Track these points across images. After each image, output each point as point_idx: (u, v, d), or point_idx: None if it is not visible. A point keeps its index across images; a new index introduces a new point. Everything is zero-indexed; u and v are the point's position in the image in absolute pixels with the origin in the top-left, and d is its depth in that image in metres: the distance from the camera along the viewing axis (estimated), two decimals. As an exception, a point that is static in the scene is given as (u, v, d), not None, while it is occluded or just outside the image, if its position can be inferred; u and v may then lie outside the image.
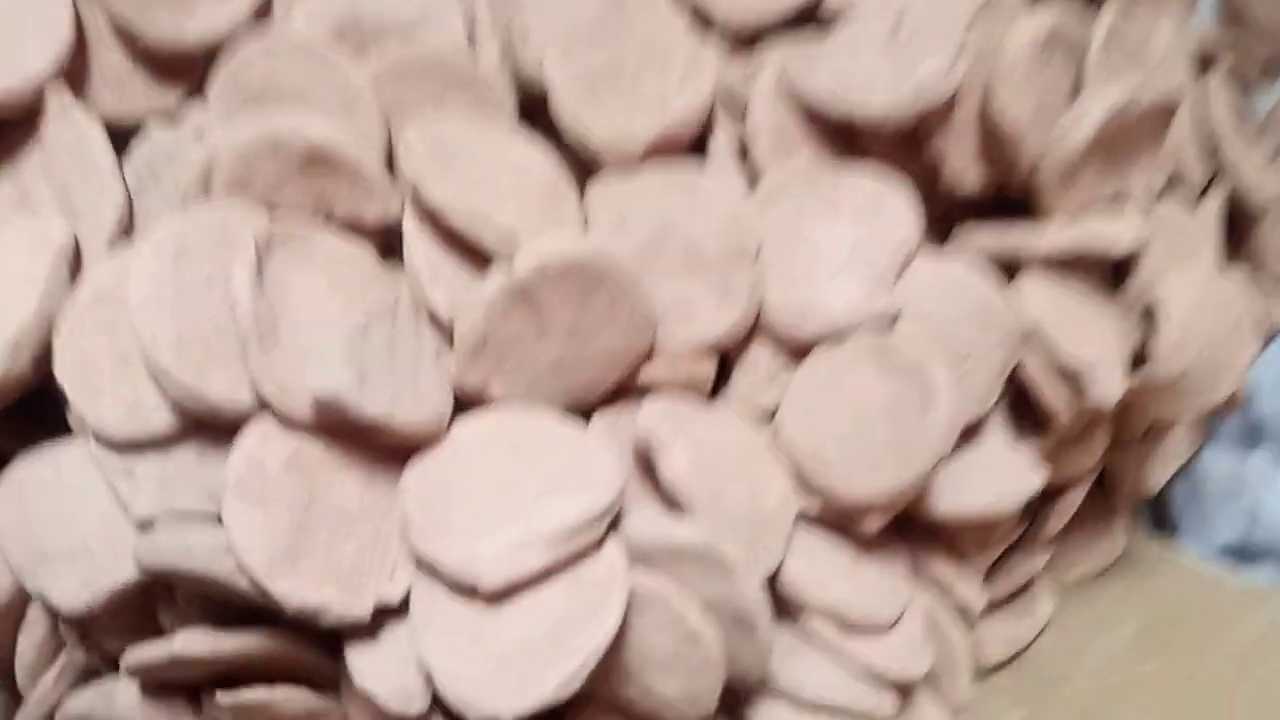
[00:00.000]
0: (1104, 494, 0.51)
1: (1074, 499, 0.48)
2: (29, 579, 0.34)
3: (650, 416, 0.35)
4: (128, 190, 0.38)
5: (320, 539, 0.31)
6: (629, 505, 0.34)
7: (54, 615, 0.36)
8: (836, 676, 0.36)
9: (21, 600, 0.37)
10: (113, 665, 0.36)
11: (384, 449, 0.33)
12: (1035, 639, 0.48)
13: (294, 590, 0.30)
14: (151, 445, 0.33)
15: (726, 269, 0.37)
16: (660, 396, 0.36)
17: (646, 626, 0.31)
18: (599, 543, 0.31)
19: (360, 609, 0.31)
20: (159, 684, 0.35)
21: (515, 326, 0.33)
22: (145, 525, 0.33)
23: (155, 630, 0.35)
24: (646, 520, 0.32)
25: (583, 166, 0.39)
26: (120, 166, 0.38)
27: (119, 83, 0.40)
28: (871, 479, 0.36)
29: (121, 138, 0.39)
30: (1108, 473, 0.49)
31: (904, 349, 0.36)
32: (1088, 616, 0.50)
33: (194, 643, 0.32)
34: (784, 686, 0.36)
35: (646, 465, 0.36)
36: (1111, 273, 0.44)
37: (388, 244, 0.38)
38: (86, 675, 0.38)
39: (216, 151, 0.35)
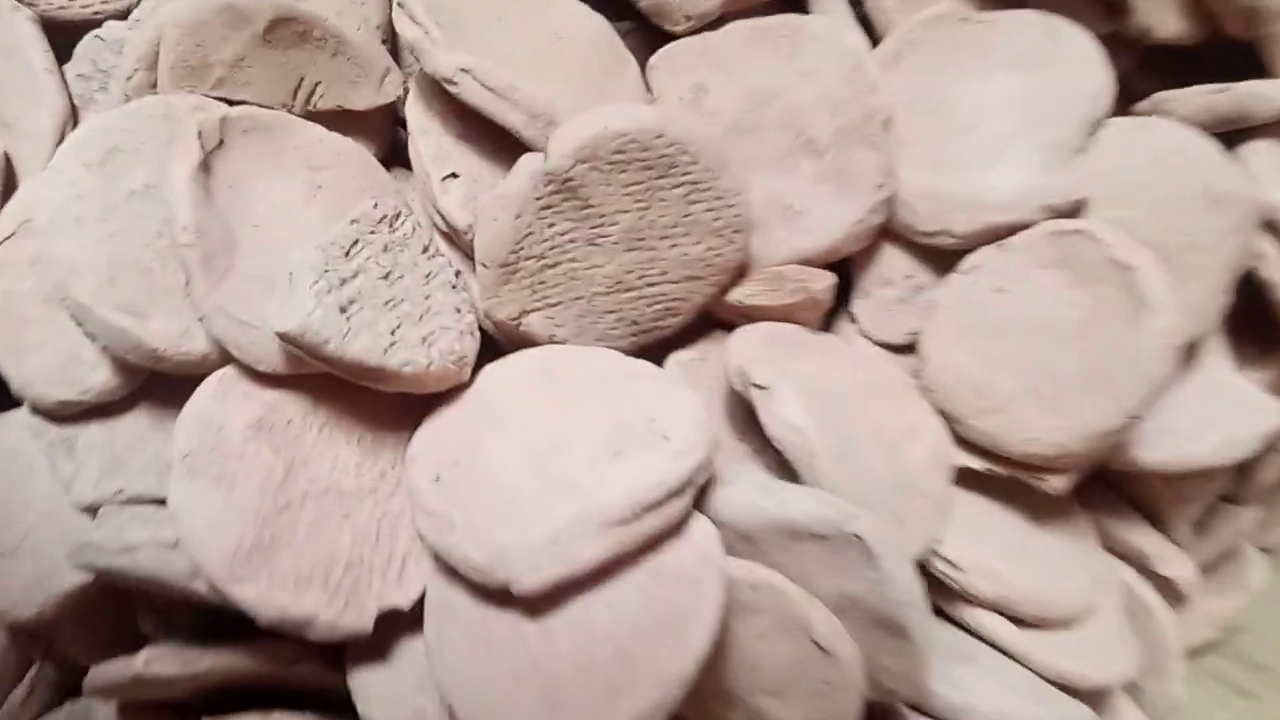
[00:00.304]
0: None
1: (1294, 440, 0.37)
2: (-31, 584, 0.27)
3: (746, 350, 0.25)
4: (71, 99, 0.30)
5: (301, 527, 0.23)
6: (721, 472, 0.24)
7: (8, 626, 0.29)
8: (1015, 689, 0.27)
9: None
10: (89, 680, 0.30)
11: (387, 407, 0.25)
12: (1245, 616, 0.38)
13: (266, 597, 0.22)
14: (95, 412, 0.26)
15: (846, 149, 0.27)
16: (757, 326, 0.27)
17: (755, 637, 0.23)
18: (681, 523, 0.22)
19: (358, 620, 0.23)
20: (140, 704, 0.28)
21: (557, 233, 0.24)
22: (91, 511, 0.25)
23: (135, 637, 0.28)
24: (748, 489, 0.23)
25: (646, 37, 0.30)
26: (62, 72, 0.30)
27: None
28: (1061, 423, 0.26)
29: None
30: None
31: (1103, 241, 0.25)
32: None
33: (161, 662, 0.25)
34: (945, 706, 0.26)
35: (742, 417, 0.27)
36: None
37: (392, 151, 0.30)
38: (62, 692, 0.31)
39: (162, 28, 0.26)
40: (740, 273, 0.28)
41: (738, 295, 0.27)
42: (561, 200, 0.24)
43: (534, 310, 0.26)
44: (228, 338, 0.23)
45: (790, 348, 0.26)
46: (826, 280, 0.27)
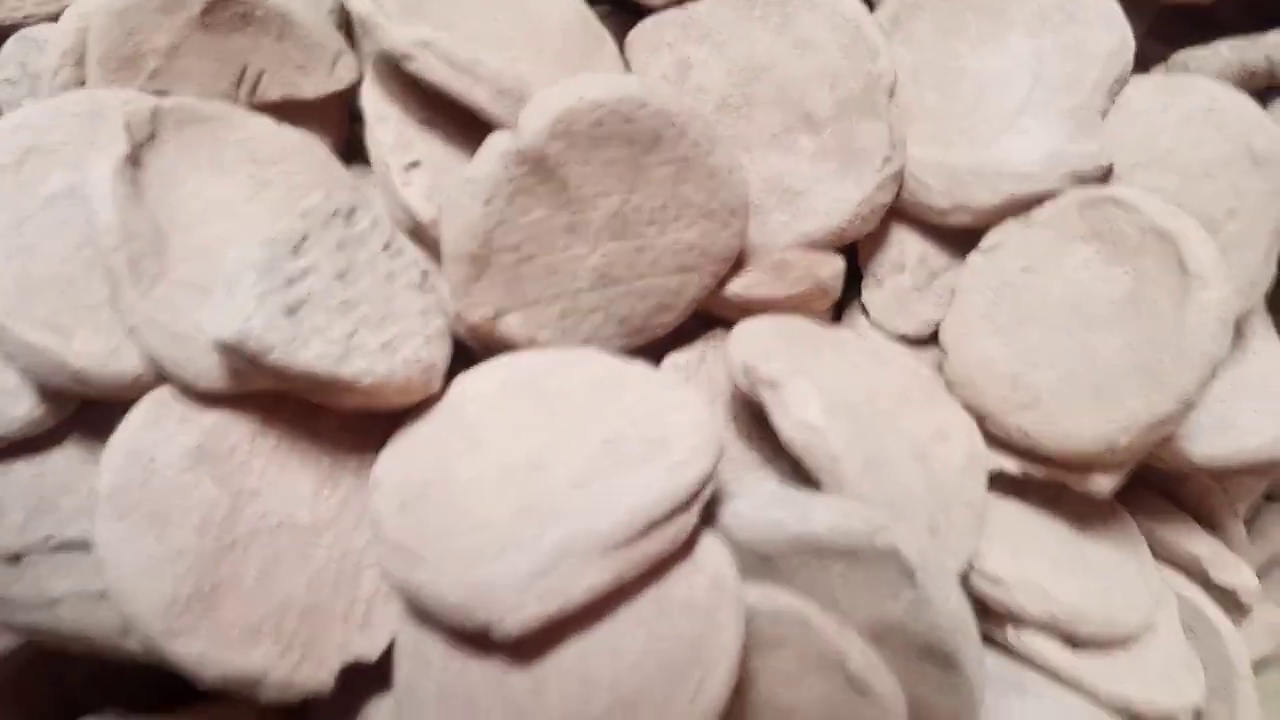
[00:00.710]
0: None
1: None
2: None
3: (752, 343, 0.23)
4: (-2, 106, 0.27)
5: (249, 570, 0.20)
6: (729, 485, 0.21)
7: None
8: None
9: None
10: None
11: (348, 426, 0.22)
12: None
13: (207, 654, 0.19)
14: (19, 448, 0.23)
15: (847, 122, 0.24)
16: (762, 318, 0.24)
17: (778, 679, 0.19)
18: (688, 545, 0.19)
19: (317, 675, 0.20)
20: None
21: (532, 220, 0.22)
22: (13, 562, 0.22)
23: (70, 706, 0.24)
24: (762, 502, 0.20)
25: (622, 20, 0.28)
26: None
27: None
28: (1105, 415, 0.23)
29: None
30: None
31: (1139, 209, 0.23)
32: None
33: (98, 736, 0.22)
34: (995, 747, 0.23)
35: (749, 422, 0.24)
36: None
37: (348, 147, 0.27)
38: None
39: (89, 17, 0.24)
40: (738, 261, 0.25)
41: (737, 287, 0.24)
42: (536, 183, 0.22)
43: (511, 310, 0.23)
44: (160, 351, 0.20)
45: (800, 342, 0.23)
46: (834, 265, 0.24)
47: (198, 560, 0.19)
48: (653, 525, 0.18)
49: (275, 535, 0.20)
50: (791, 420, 0.21)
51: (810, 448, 0.21)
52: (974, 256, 0.25)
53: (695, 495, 0.19)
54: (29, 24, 0.29)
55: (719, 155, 0.23)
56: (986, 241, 0.25)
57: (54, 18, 0.29)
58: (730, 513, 0.20)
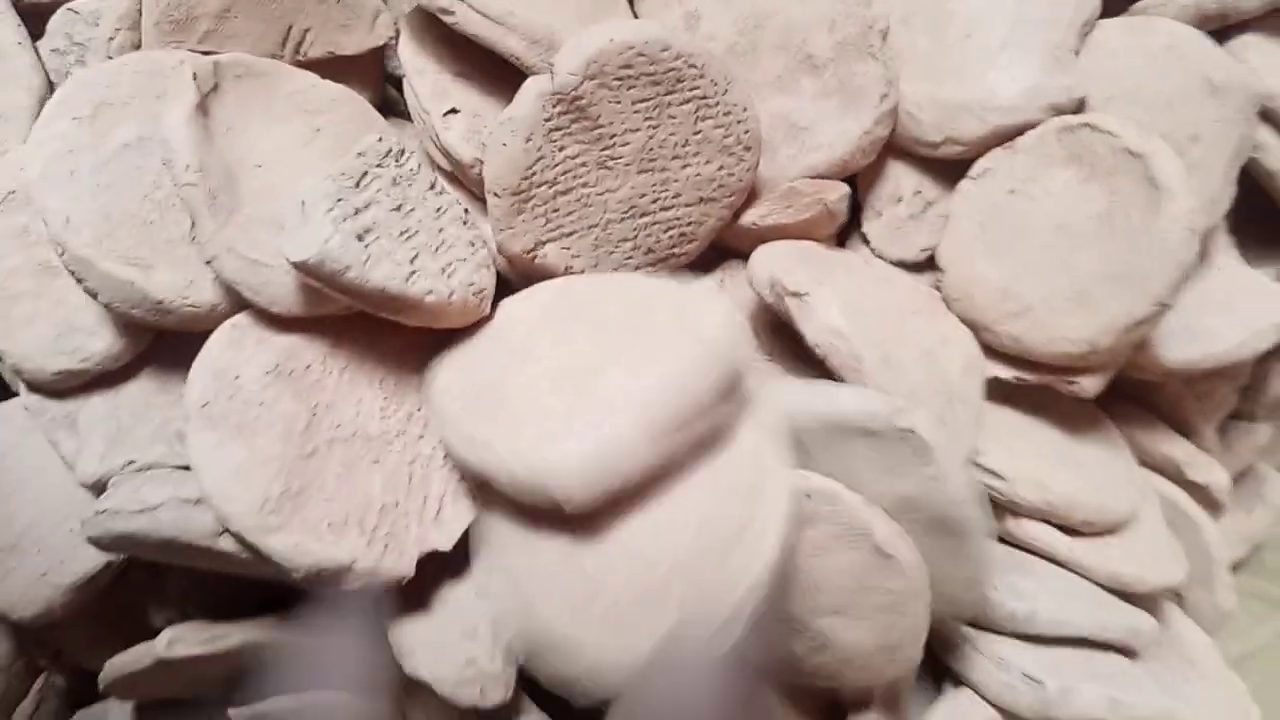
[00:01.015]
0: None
1: (1305, 348, 0.37)
2: (-33, 586, 0.25)
3: (776, 260, 0.25)
4: (47, 75, 0.28)
5: (330, 473, 0.22)
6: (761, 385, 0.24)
7: (14, 628, 0.28)
8: (1075, 596, 0.26)
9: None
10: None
11: (407, 348, 0.24)
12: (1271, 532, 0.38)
13: (299, 547, 0.21)
14: (96, 383, 0.24)
15: (846, 62, 0.27)
16: (779, 243, 0.26)
17: (813, 552, 0.22)
18: (732, 428, 0.21)
19: (399, 564, 0.21)
20: (158, 703, 0.27)
21: (568, 156, 0.24)
22: (98, 489, 0.24)
23: (147, 634, 0.26)
24: (794, 390, 0.22)
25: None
26: (36, 49, 0.29)
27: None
28: (1088, 320, 0.25)
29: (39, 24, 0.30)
30: None
31: (1112, 132, 0.25)
32: None
33: (185, 643, 0.24)
34: (1008, 616, 0.25)
35: (770, 335, 0.26)
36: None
37: (383, 105, 0.29)
38: (73, 702, 0.29)
39: (143, -15, 0.25)
40: (751, 195, 0.27)
41: (752, 217, 0.27)
42: (571, 121, 0.24)
43: (549, 240, 0.25)
44: (239, 278, 0.22)
45: (815, 262, 0.26)
46: (840, 190, 0.26)
47: (284, 465, 0.21)
48: (697, 411, 0.20)
49: (350, 444, 0.22)
50: (816, 324, 0.23)
51: (835, 350, 0.23)
52: (965, 183, 0.28)
53: (733, 383, 0.21)
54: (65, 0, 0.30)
55: (734, 93, 0.25)
56: (976, 169, 0.27)
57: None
58: (771, 397, 0.22)
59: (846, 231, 0.29)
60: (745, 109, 0.25)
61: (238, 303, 0.23)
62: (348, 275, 0.21)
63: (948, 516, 0.22)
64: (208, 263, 0.22)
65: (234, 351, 0.22)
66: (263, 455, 0.21)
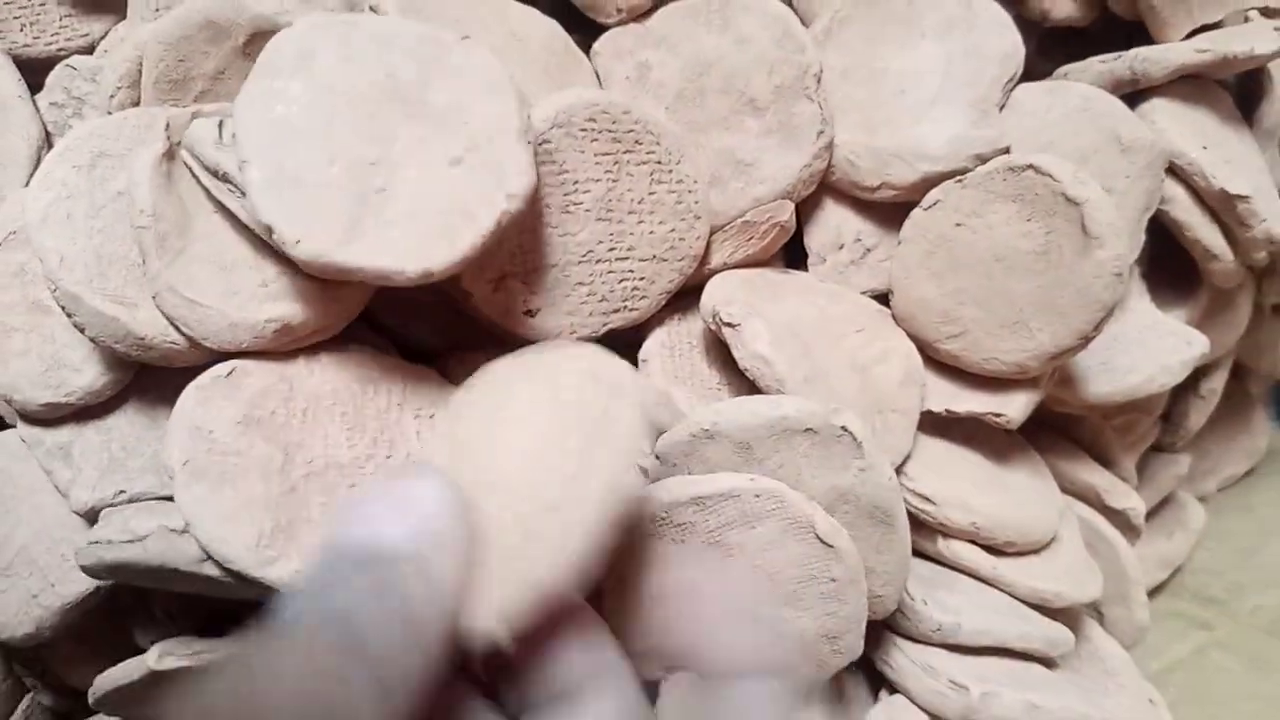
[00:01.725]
0: (1238, 385, 0.44)
1: (1217, 383, 0.40)
2: (-38, 606, 0.27)
3: (720, 293, 0.27)
4: (44, 126, 0.30)
5: (313, 503, 0.24)
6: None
7: (3, 649, 0.29)
8: (997, 610, 0.28)
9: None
10: (88, 705, 0.29)
11: (357, 382, 0.25)
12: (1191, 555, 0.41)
13: (298, 573, 0.22)
14: (85, 414, 0.26)
15: (785, 103, 0.29)
16: (733, 273, 0.29)
17: (765, 546, 0.24)
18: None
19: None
20: (145, 720, 0.28)
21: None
22: (90, 517, 0.25)
23: (133, 655, 0.27)
24: (742, 400, 0.25)
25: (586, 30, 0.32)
26: (34, 101, 0.31)
27: (32, 15, 0.33)
28: (1020, 344, 0.28)
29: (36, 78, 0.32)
30: (1240, 361, 0.42)
31: (1054, 176, 0.27)
32: (1246, 523, 0.43)
33: (175, 655, 0.25)
34: (933, 628, 0.27)
35: (720, 364, 0.29)
36: (1238, 103, 0.36)
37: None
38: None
39: (144, 46, 0.28)
40: (700, 263, 0.29)
41: (720, 258, 0.29)
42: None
43: (511, 274, 0.27)
44: (176, 315, 0.24)
45: (764, 289, 0.28)
46: (788, 209, 0.29)
47: (269, 502, 0.23)
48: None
49: (325, 474, 0.24)
50: (745, 351, 0.26)
51: (760, 374, 0.26)
52: (916, 212, 0.30)
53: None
54: (61, 56, 0.32)
55: (687, 166, 0.27)
56: (927, 200, 0.29)
57: (84, 50, 0.33)
58: (715, 410, 0.25)
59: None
60: (696, 181, 0.28)
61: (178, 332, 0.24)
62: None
63: (877, 505, 0.25)
64: (153, 297, 0.24)
65: (204, 409, 0.23)
66: (247, 497, 0.23)
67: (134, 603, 0.28)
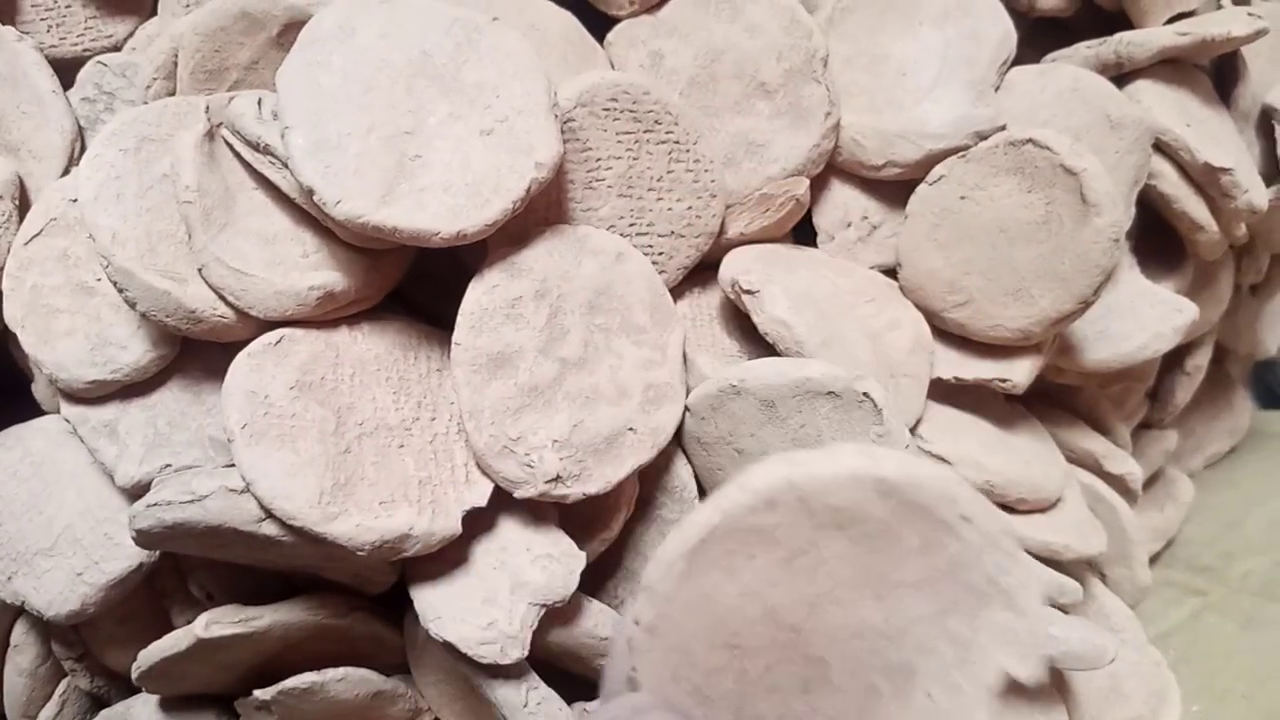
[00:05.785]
0: (1219, 367, 0.45)
1: (1201, 360, 0.42)
2: (4, 587, 0.27)
3: (738, 263, 0.29)
4: (77, 120, 0.31)
5: (368, 462, 0.24)
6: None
7: (44, 628, 0.29)
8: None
9: (3, 620, 0.30)
10: (125, 687, 0.30)
11: (396, 346, 0.27)
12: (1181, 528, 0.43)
13: (361, 526, 0.23)
14: (130, 391, 0.27)
15: (794, 87, 0.31)
16: (749, 246, 0.30)
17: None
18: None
19: (448, 523, 0.24)
20: (182, 697, 0.28)
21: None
22: (136, 492, 0.26)
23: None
24: (770, 361, 0.26)
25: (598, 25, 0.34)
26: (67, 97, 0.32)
27: (59, 17, 0.34)
28: (1023, 311, 0.29)
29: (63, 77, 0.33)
30: (1220, 343, 0.44)
31: (1053, 149, 0.29)
32: (1232, 496, 0.45)
33: (221, 624, 0.26)
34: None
35: (738, 333, 0.30)
36: (1215, 85, 0.38)
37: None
38: (95, 704, 0.31)
39: (180, 38, 0.29)
40: (716, 239, 0.30)
41: (738, 228, 0.30)
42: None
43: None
44: (223, 285, 0.25)
45: (777, 262, 0.29)
46: (803, 183, 0.30)
47: (327, 462, 0.24)
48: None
49: (376, 435, 0.25)
50: (765, 316, 0.27)
51: (780, 337, 0.27)
52: (922, 187, 0.31)
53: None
54: (87, 57, 0.33)
55: (703, 147, 0.29)
56: (932, 175, 0.31)
57: (110, 48, 0.34)
58: (745, 368, 0.26)
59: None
60: (712, 161, 0.29)
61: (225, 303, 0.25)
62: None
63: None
64: (199, 270, 0.25)
65: (258, 375, 0.24)
66: (307, 456, 0.24)
67: (173, 584, 0.29)
